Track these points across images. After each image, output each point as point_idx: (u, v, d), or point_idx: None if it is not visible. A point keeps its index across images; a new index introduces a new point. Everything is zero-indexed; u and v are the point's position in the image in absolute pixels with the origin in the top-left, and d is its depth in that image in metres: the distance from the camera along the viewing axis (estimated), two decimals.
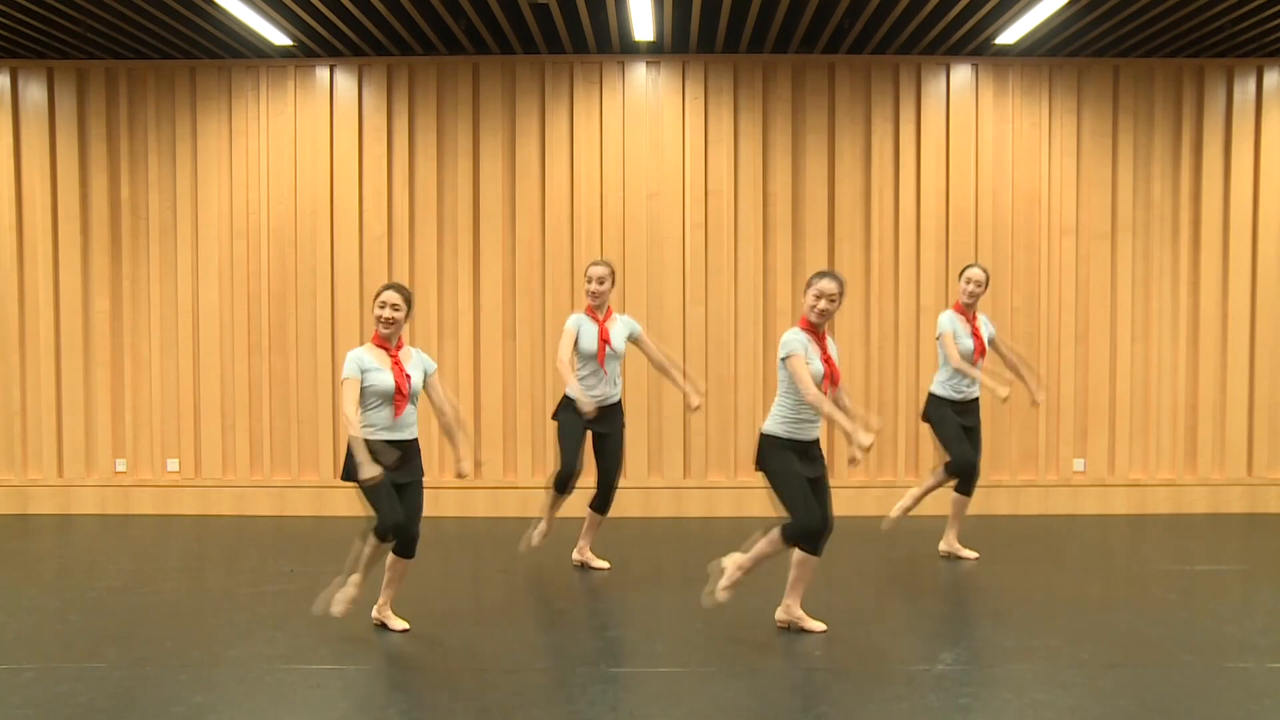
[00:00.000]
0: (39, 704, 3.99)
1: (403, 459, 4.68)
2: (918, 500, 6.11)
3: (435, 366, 4.84)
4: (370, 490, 4.59)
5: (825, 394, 4.59)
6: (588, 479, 5.88)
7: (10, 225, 7.46)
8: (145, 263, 7.50)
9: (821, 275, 4.65)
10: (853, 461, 4.55)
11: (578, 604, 5.48)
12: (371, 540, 4.75)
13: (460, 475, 4.82)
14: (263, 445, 7.49)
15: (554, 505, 5.88)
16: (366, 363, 4.60)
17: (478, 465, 4.94)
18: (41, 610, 5.23)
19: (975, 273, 5.96)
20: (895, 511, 6.12)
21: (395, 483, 4.68)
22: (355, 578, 4.81)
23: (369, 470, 4.41)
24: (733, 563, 4.81)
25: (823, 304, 4.59)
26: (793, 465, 4.61)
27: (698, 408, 5.88)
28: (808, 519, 4.58)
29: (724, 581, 4.79)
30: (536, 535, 5.94)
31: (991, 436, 7.44)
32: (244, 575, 5.96)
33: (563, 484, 5.79)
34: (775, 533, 4.68)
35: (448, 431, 4.89)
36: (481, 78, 7.43)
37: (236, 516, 7.43)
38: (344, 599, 4.81)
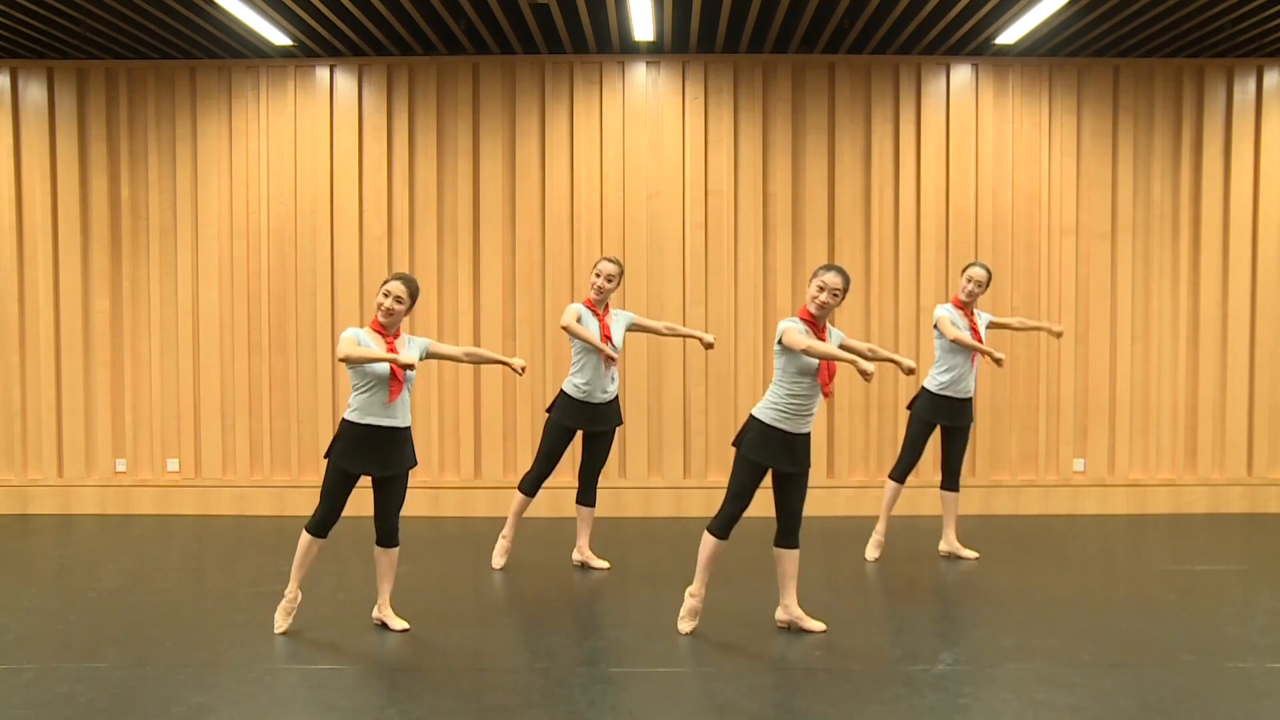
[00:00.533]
0: (39, 704, 3.99)
1: (392, 448, 4.70)
2: (887, 521, 6.19)
3: (429, 340, 4.87)
4: (332, 480, 4.68)
5: (824, 385, 4.60)
6: (552, 479, 6.02)
7: (10, 225, 7.47)
8: (145, 263, 7.50)
9: (828, 268, 4.64)
10: (865, 375, 4.43)
11: (578, 604, 5.48)
12: (304, 536, 4.78)
13: (521, 371, 4.97)
14: (263, 445, 7.49)
15: (519, 511, 5.95)
16: (364, 340, 4.63)
17: (521, 369, 5.00)
18: (41, 610, 5.23)
19: (977, 272, 5.95)
20: (873, 551, 6.17)
21: (380, 476, 4.71)
22: (293, 590, 4.88)
23: (378, 355, 4.48)
24: (688, 594, 4.86)
25: (824, 296, 4.60)
26: (764, 461, 4.63)
27: (713, 343, 5.87)
28: (734, 511, 4.68)
29: (683, 612, 4.86)
30: (501, 556, 6.00)
31: (991, 436, 7.44)
32: (244, 575, 5.96)
33: (533, 488, 5.87)
34: (705, 537, 4.75)
35: (480, 361, 5.07)
36: (481, 78, 7.43)
37: (236, 516, 7.43)
38: (281, 611, 4.87)
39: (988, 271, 5.96)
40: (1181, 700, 4.02)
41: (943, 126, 7.44)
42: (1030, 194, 7.46)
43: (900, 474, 6.11)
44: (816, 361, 4.56)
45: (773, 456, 4.63)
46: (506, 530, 6.01)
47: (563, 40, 7.07)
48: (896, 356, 4.79)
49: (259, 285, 7.48)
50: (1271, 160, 7.45)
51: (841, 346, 4.72)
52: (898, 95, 7.45)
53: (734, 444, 4.74)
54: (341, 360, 4.51)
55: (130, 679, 4.25)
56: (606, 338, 5.67)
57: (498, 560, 6.00)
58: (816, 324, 4.65)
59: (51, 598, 5.47)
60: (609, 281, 5.67)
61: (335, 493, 4.72)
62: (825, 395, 4.63)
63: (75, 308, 7.49)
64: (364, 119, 7.43)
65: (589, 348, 5.65)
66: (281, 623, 4.85)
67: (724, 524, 4.71)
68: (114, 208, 7.50)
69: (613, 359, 5.66)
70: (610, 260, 5.69)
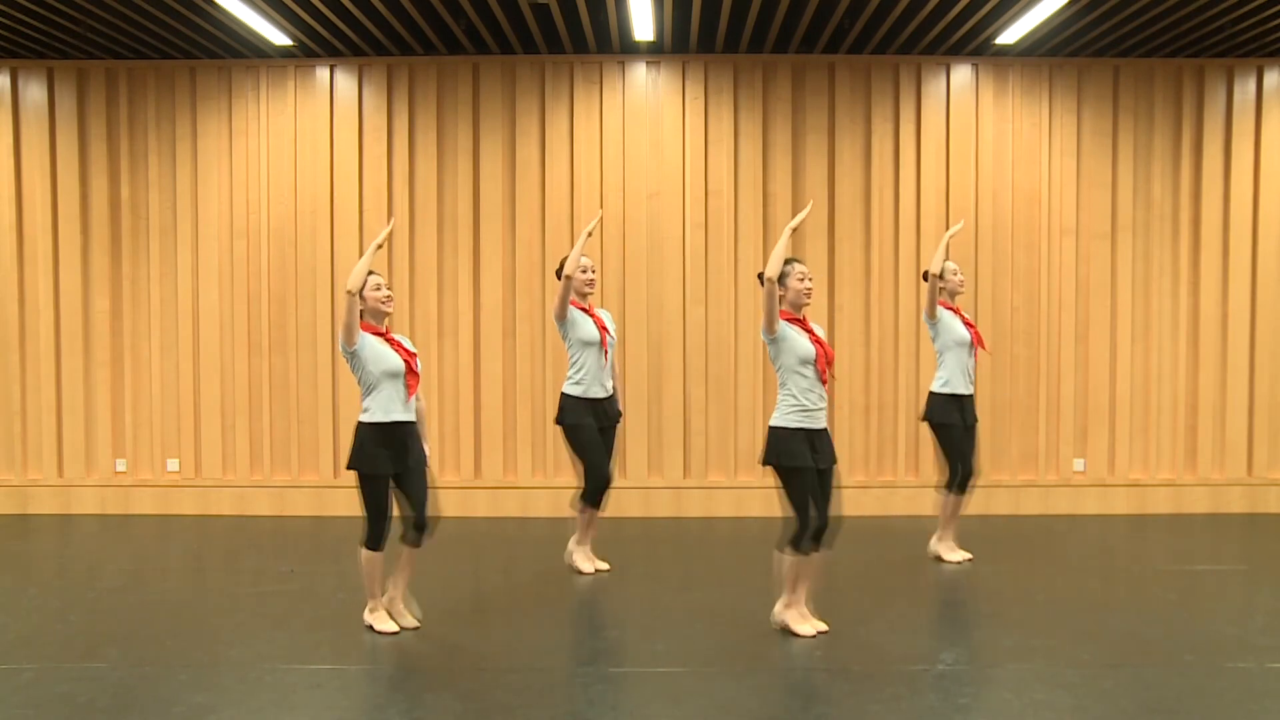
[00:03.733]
0: (39, 704, 3.99)
1: (409, 442, 4.71)
2: (951, 525, 6.16)
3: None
4: (369, 490, 4.66)
5: (822, 371, 4.59)
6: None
7: (10, 225, 7.47)
8: (145, 263, 7.50)
9: (791, 261, 4.67)
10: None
11: (578, 604, 5.48)
12: (363, 554, 4.78)
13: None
14: (263, 445, 7.49)
15: (590, 523, 5.89)
16: (370, 341, 4.64)
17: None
18: (41, 610, 5.23)
19: (953, 265, 6.02)
20: (955, 555, 6.13)
21: (399, 472, 4.70)
22: (374, 601, 4.88)
23: (357, 280, 4.53)
24: (781, 610, 4.82)
25: (807, 284, 4.67)
26: (805, 460, 4.59)
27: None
28: (803, 526, 4.62)
29: (787, 624, 4.81)
30: (587, 566, 5.94)
31: (992, 436, 7.44)
32: (244, 575, 5.96)
33: (597, 496, 5.77)
34: (780, 555, 4.71)
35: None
36: (481, 78, 7.43)
37: (236, 516, 7.43)
38: (376, 619, 4.84)
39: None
40: (1181, 700, 4.02)
41: (943, 126, 7.44)
42: (1030, 194, 7.46)
43: (953, 482, 6.04)
44: (813, 351, 4.59)
45: (804, 455, 4.61)
46: (582, 543, 5.98)
47: (563, 40, 7.07)
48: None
49: (259, 285, 7.48)
50: (1271, 160, 7.45)
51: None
52: (898, 95, 7.45)
53: (763, 462, 4.70)
54: (351, 290, 4.52)
55: (130, 679, 4.25)
56: (603, 329, 5.71)
57: (589, 568, 5.93)
58: (803, 320, 4.68)
59: (51, 598, 5.47)
60: (592, 273, 5.79)
61: (378, 501, 4.69)
62: (824, 382, 4.61)
63: (75, 308, 7.49)
64: (364, 119, 7.43)
65: (585, 344, 5.68)
66: (380, 625, 4.82)
67: (805, 538, 4.64)
68: (114, 208, 7.50)
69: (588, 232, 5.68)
70: (584, 255, 5.80)
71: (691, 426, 7.45)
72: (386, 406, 4.62)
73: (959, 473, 6.02)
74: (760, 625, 4.91)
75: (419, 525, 4.74)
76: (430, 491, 4.79)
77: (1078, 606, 5.24)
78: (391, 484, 4.73)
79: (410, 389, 4.66)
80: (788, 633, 4.77)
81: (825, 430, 4.68)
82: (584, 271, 5.76)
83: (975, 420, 6.08)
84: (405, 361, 4.64)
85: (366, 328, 4.67)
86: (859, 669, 4.38)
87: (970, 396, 6.01)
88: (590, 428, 5.74)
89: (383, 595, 4.90)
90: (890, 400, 7.47)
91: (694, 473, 7.48)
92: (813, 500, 4.66)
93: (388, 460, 4.64)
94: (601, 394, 5.77)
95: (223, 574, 6.08)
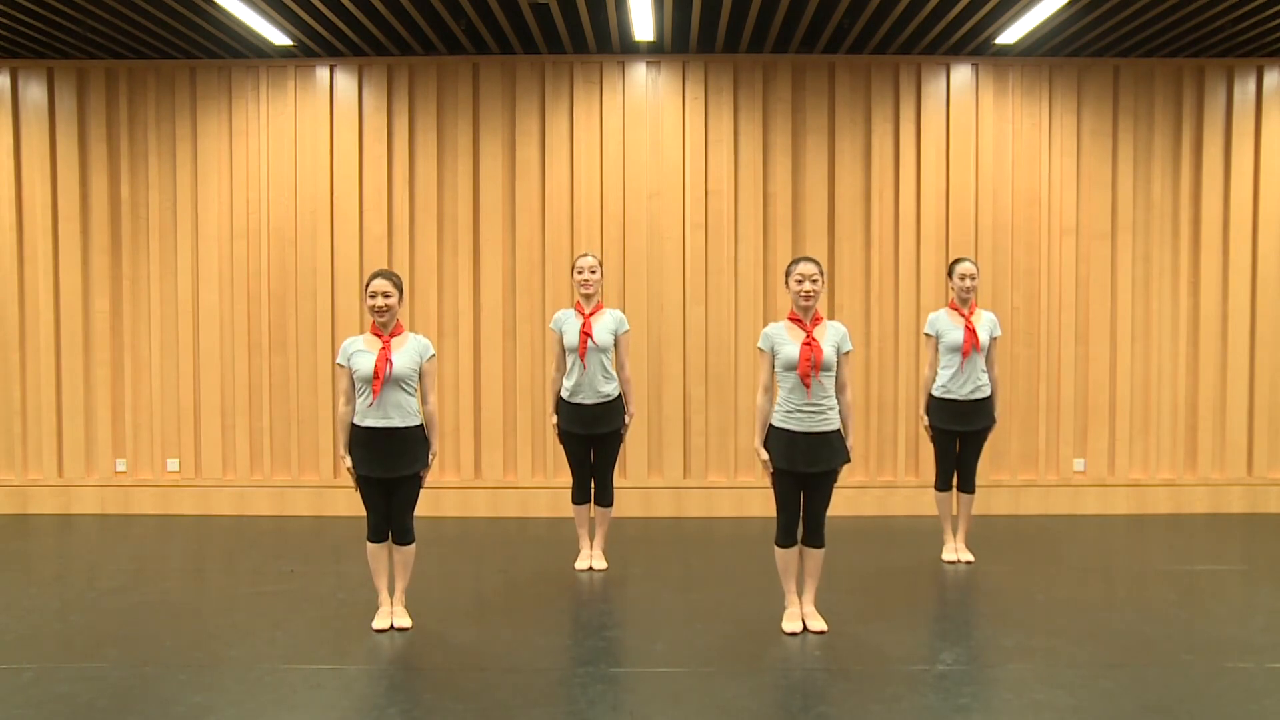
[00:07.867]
0: (39, 704, 3.99)
1: (392, 450, 4.73)
2: (955, 525, 6.22)
3: (432, 353, 4.88)
4: (359, 488, 4.81)
5: (803, 376, 4.59)
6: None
7: (10, 225, 7.46)
8: (145, 263, 7.50)
9: (799, 260, 4.71)
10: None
11: (578, 604, 5.48)
12: (368, 546, 4.91)
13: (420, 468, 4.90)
14: (263, 445, 7.49)
15: (579, 521, 6.05)
16: (354, 348, 4.78)
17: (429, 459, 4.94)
18: (41, 610, 5.23)
19: (967, 266, 5.98)
20: (963, 554, 6.16)
21: (387, 478, 4.73)
22: (381, 595, 5.00)
23: (348, 461, 4.78)
24: (793, 609, 4.91)
25: (807, 285, 4.65)
26: (779, 460, 4.68)
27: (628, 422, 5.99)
28: (783, 520, 4.77)
29: (789, 625, 4.88)
30: (583, 561, 6.05)
31: (992, 436, 7.39)
32: (244, 575, 5.96)
33: (577, 495, 5.99)
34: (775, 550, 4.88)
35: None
36: (481, 78, 7.43)
37: (236, 516, 7.43)
38: (379, 615, 4.96)
39: (974, 264, 6.01)
40: (1181, 700, 4.02)
41: (943, 126, 7.43)
42: (1030, 194, 7.46)
43: (939, 483, 6.13)
44: (795, 356, 4.61)
45: (784, 457, 4.66)
46: (581, 542, 6.10)
47: (563, 40, 7.07)
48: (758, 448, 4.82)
49: (259, 285, 7.48)
50: (1271, 160, 7.45)
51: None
52: (898, 95, 7.45)
53: None
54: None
55: (130, 679, 4.25)
56: (587, 334, 5.71)
57: (581, 564, 6.04)
58: (803, 321, 4.67)
59: (51, 598, 5.47)
60: (593, 273, 5.80)
61: (364, 496, 4.85)
62: (805, 386, 4.62)
63: (75, 308, 7.49)
64: (364, 119, 7.43)
65: (572, 351, 5.76)
66: (375, 620, 4.94)
67: (780, 533, 4.80)
68: (114, 208, 7.50)
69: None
70: (587, 255, 5.84)
71: (691, 426, 7.45)
72: (361, 410, 4.75)
73: (941, 473, 6.10)
74: (760, 625, 4.91)
75: (393, 534, 4.90)
76: (412, 502, 4.88)
77: (1078, 606, 5.24)
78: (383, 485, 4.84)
79: (373, 391, 4.70)
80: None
81: (820, 435, 4.66)
82: (580, 272, 5.78)
83: (981, 426, 6.02)
84: (375, 368, 4.69)
85: (375, 330, 4.79)
86: (859, 669, 4.38)
87: (968, 401, 5.96)
88: (567, 433, 5.86)
89: (389, 590, 5.00)
90: (890, 400, 7.47)
91: (694, 473, 7.47)
92: (798, 499, 4.75)
93: (364, 461, 4.74)
94: (589, 400, 5.76)
95: (223, 574, 6.08)
